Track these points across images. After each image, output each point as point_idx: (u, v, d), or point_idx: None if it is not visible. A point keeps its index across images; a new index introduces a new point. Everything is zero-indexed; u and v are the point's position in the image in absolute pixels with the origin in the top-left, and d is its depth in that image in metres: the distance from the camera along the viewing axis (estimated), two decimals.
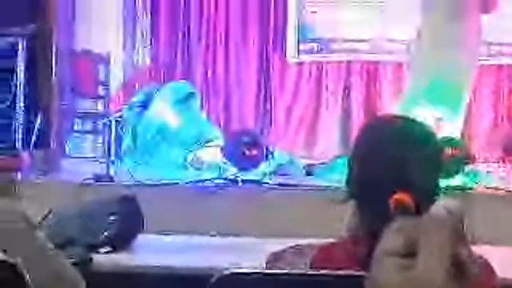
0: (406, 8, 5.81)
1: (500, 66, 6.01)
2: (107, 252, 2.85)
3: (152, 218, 3.22)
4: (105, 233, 2.90)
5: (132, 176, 4.31)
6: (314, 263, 1.44)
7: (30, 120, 4.87)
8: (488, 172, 4.84)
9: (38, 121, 4.91)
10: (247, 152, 4.57)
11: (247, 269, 1.33)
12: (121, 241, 2.98)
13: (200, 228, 3.64)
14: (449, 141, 4.24)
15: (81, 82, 5.79)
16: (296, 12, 6.10)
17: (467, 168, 4.38)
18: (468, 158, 4.42)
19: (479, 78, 5.46)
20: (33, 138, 4.83)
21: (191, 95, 5.73)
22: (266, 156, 4.63)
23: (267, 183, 4.33)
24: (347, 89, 6.11)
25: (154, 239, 3.13)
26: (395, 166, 1.38)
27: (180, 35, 6.19)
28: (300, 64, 6.17)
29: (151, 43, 6.21)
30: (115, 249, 2.89)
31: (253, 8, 6.17)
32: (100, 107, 5.79)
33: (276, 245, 1.55)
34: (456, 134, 4.66)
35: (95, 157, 5.44)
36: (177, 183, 4.24)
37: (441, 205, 0.65)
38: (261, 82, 6.16)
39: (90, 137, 5.86)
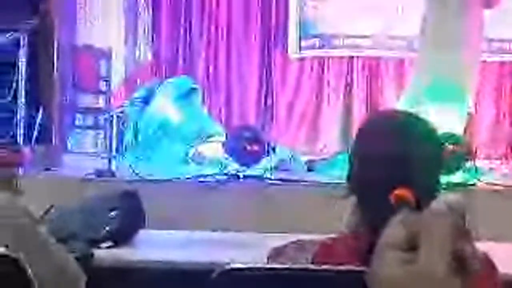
0: (408, 4, 5.81)
1: (502, 63, 6.00)
2: (108, 247, 2.85)
3: (154, 213, 3.22)
4: (107, 228, 2.91)
5: (133, 171, 4.32)
6: (316, 258, 1.45)
7: (31, 115, 4.88)
8: (490, 168, 4.84)
9: (40, 116, 4.91)
10: (249, 148, 4.57)
11: (248, 264, 1.34)
12: (123, 236, 2.99)
13: (202, 223, 3.64)
14: (451, 137, 4.24)
15: (83, 77, 5.79)
16: (297, 7, 6.09)
17: (469, 164, 4.37)
18: (470, 155, 4.42)
19: (481, 74, 5.46)
20: (35, 133, 4.84)
21: (192, 90, 5.73)
22: (268, 151, 4.63)
23: (269, 178, 4.33)
24: (348, 85, 6.10)
25: (155, 234, 3.13)
26: (396, 162, 1.38)
27: (182, 31, 6.19)
28: (302, 59, 6.17)
29: (152, 39, 6.20)
30: (116, 244, 2.89)
31: (254, 4, 6.17)
32: (101, 102, 5.79)
33: (277, 240, 1.55)
34: (458, 131, 4.66)
35: (96, 153, 5.44)
36: (179, 179, 4.24)
37: (442, 200, 0.65)
38: (262, 78, 6.16)
39: (91, 132, 5.86)
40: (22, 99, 4.76)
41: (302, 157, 5.22)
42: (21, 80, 4.78)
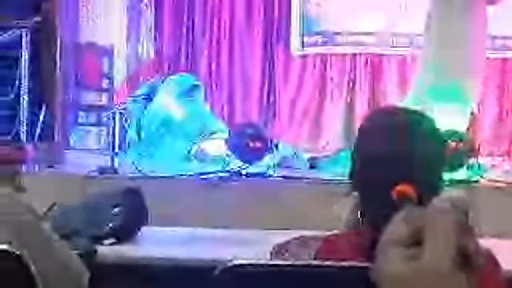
0: (411, 1, 5.80)
1: (504, 60, 5.99)
2: (111, 244, 2.85)
3: (156, 210, 3.23)
4: (110, 225, 2.91)
5: (136, 168, 4.32)
6: (318, 254, 1.45)
7: (34, 112, 4.88)
8: (493, 165, 4.83)
9: (43, 113, 4.92)
10: (251, 145, 4.57)
11: (251, 260, 1.34)
12: (126, 233, 2.99)
13: (204, 220, 3.65)
14: (453, 134, 4.24)
15: (85, 74, 5.79)
16: (300, 4, 6.09)
17: (471, 161, 4.37)
18: (472, 152, 4.41)
19: (484, 72, 5.45)
20: (38, 130, 4.84)
21: (195, 87, 5.73)
22: (270, 148, 4.63)
23: (271, 175, 4.33)
24: (351, 82, 6.09)
25: (158, 231, 3.14)
26: (398, 159, 1.38)
27: (184, 28, 6.18)
28: (305, 56, 6.16)
29: (155, 36, 6.20)
30: (119, 241, 2.90)
31: (257, 0, 6.16)
32: (104, 99, 5.79)
33: (280, 237, 1.55)
34: (461, 128, 4.66)
35: (99, 150, 5.45)
36: (181, 176, 4.25)
37: (445, 196, 0.65)
38: (265, 75, 6.16)
39: (94, 129, 5.86)
40: (25, 97, 4.77)
41: (304, 154, 5.22)
42: (24, 77, 4.78)
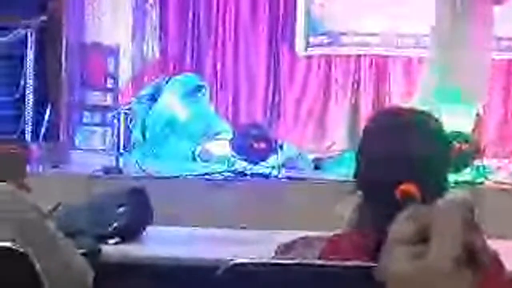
0: (417, 1, 5.79)
1: (510, 61, 5.98)
2: (116, 243, 2.86)
3: (161, 210, 3.23)
4: (114, 225, 2.91)
5: (141, 168, 4.33)
6: (323, 254, 1.45)
7: (39, 112, 4.89)
8: (498, 167, 4.82)
9: (48, 113, 4.93)
10: (256, 145, 4.58)
11: (255, 260, 1.34)
12: (130, 232, 2.99)
13: (209, 220, 3.65)
14: (459, 136, 4.23)
15: (91, 74, 5.80)
16: (305, 5, 6.09)
17: (476, 163, 4.36)
18: (478, 153, 4.41)
19: (490, 73, 5.44)
20: (43, 130, 4.85)
21: (199, 87, 5.74)
22: (275, 149, 4.63)
23: (276, 176, 4.33)
24: (356, 83, 6.09)
25: (163, 231, 3.14)
26: (402, 159, 1.38)
27: (190, 28, 6.19)
28: (309, 57, 6.16)
29: (160, 36, 6.21)
30: (124, 240, 2.90)
31: (262, 1, 6.16)
32: (109, 99, 5.80)
33: (284, 238, 1.55)
34: (467, 129, 4.65)
35: (104, 150, 5.46)
36: (186, 176, 4.25)
37: (451, 195, 0.65)
38: (270, 75, 6.16)
39: (99, 129, 5.88)
40: (30, 96, 4.78)
41: (309, 155, 5.22)
42: (29, 77, 4.79)
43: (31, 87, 4.78)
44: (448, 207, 0.61)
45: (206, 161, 5.08)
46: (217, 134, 5.42)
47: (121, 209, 2.97)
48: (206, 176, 4.29)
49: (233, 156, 4.71)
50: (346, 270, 1.27)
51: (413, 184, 0.79)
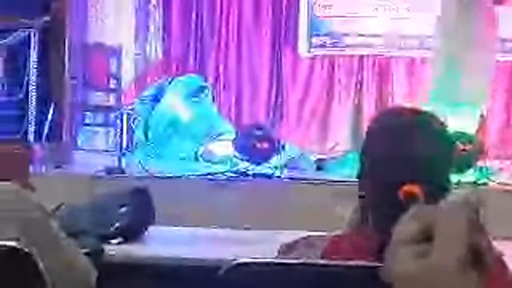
0: (420, 3, 5.79)
1: None
2: (118, 243, 2.86)
3: (163, 210, 3.24)
4: (117, 224, 2.92)
5: (143, 168, 4.33)
6: (325, 255, 1.45)
7: (42, 112, 4.90)
8: (500, 169, 4.82)
9: (51, 113, 4.93)
10: (258, 146, 4.58)
11: (257, 259, 1.34)
12: (133, 232, 3.00)
13: (211, 220, 3.65)
14: (462, 136, 4.23)
15: (93, 75, 5.81)
16: (308, 6, 6.09)
17: (479, 163, 4.36)
18: (481, 154, 4.41)
19: (493, 74, 5.43)
20: (45, 130, 4.86)
21: (202, 88, 5.74)
22: (277, 149, 4.63)
23: (278, 176, 4.34)
24: (359, 83, 6.09)
25: (165, 231, 3.14)
26: (406, 159, 1.38)
27: (192, 29, 6.19)
28: (312, 58, 6.16)
29: (163, 37, 6.21)
30: (126, 240, 2.91)
31: (265, 2, 6.17)
32: (112, 100, 5.81)
33: (286, 237, 1.55)
34: (471, 130, 4.65)
35: (106, 150, 5.46)
36: (189, 176, 4.25)
37: (458, 194, 0.65)
38: (273, 76, 6.16)
39: (102, 129, 5.88)
40: (33, 97, 4.78)
41: (311, 155, 5.22)
42: (32, 77, 4.80)
43: (34, 87, 4.79)
44: (452, 207, 0.61)
45: (208, 161, 5.09)
46: (220, 134, 5.43)
47: (124, 209, 2.98)
48: (209, 176, 4.29)
49: (235, 156, 4.72)
50: (349, 270, 1.27)
51: (416, 184, 0.79)
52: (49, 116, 4.92)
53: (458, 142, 3.99)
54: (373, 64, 6.09)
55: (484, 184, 4.17)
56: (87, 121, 5.91)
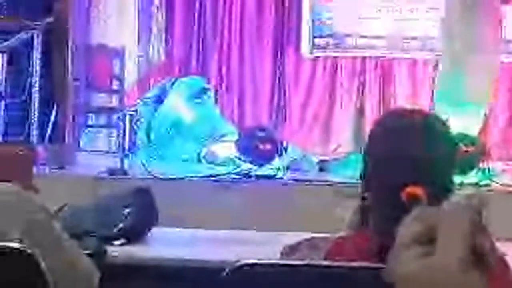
0: (422, 4, 5.79)
1: None
2: (121, 245, 2.87)
3: (166, 212, 3.24)
4: (120, 226, 2.92)
5: (146, 170, 4.33)
6: (328, 256, 1.45)
7: (45, 114, 4.90)
8: (503, 170, 4.81)
9: (53, 115, 4.94)
10: (261, 147, 4.59)
11: (261, 260, 1.34)
12: (136, 233, 3.00)
13: (214, 221, 3.65)
14: (464, 138, 4.23)
15: (96, 76, 5.81)
16: (311, 6, 6.09)
17: (482, 165, 4.35)
18: (483, 155, 4.40)
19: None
20: (48, 132, 4.86)
21: (205, 90, 5.75)
22: (280, 151, 4.64)
23: (281, 178, 4.34)
24: (361, 85, 6.09)
25: (168, 232, 3.15)
26: (409, 161, 1.38)
27: (195, 31, 6.20)
28: (315, 59, 6.16)
29: (166, 38, 6.22)
30: (129, 241, 2.91)
31: (267, 3, 6.17)
32: (114, 101, 5.81)
33: (289, 239, 1.56)
34: (475, 130, 4.64)
35: (109, 151, 5.47)
36: (191, 177, 4.26)
37: (461, 196, 0.65)
38: (275, 77, 6.16)
39: (104, 131, 5.89)
40: (36, 98, 4.79)
41: (314, 157, 5.22)
42: (35, 79, 4.80)
43: (37, 89, 4.80)
44: (454, 208, 0.61)
45: (211, 162, 5.09)
46: (222, 136, 5.43)
47: (127, 211, 2.98)
48: (212, 178, 4.29)
49: (238, 158, 4.72)
50: (352, 272, 1.27)
51: (419, 186, 0.79)
52: (52, 118, 4.93)
53: (461, 144, 3.99)
54: (376, 65, 6.09)
55: (487, 185, 4.16)
56: (89, 122, 5.92)
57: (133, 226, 2.97)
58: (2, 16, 5.00)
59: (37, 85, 4.79)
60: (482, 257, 0.58)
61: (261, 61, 6.16)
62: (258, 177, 4.35)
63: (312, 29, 6.09)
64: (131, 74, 5.99)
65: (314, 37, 6.10)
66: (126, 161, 4.56)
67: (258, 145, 4.60)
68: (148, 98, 5.70)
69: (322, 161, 5.11)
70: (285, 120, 6.07)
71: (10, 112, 4.97)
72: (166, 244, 3.00)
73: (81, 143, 5.67)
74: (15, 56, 4.94)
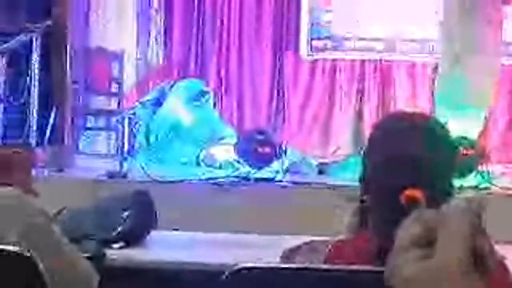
0: (421, 7, 5.79)
1: None
2: (120, 248, 2.86)
3: (165, 215, 3.23)
4: (119, 229, 2.92)
5: (145, 173, 4.33)
6: (328, 260, 1.45)
7: (44, 116, 4.90)
8: (502, 173, 4.81)
9: (52, 117, 4.94)
10: (260, 150, 4.58)
11: (260, 264, 1.34)
12: (135, 236, 3.00)
13: (213, 224, 3.65)
14: (464, 141, 4.23)
15: (95, 79, 5.82)
16: (309, 9, 6.09)
17: (481, 168, 4.35)
18: (482, 158, 4.40)
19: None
20: (47, 134, 4.86)
21: (204, 93, 5.75)
22: (279, 154, 4.64)
23: (280, 180, 4.34)
24: (360, 87, 6.09)
25: (167, 235, 3.14)
26: (407, 164, 1.38)
27: (194, 34, 6.20)
28: (314, 62, 6.16)
29: (165, 41, 6.22)
30: (128, 244, 2.91)
31: (266, 6, 6.17)
32: (113, 104, 5.81)
33: (289, 242, 1.56)
34: (475, 133, 4.64)
35: (108, 154, 5.47)
36: (190, 180, 4.26)
37: (460, 199, 0.65)
38: (274, 80, 6.16)
39: (103, 134, 5.89)
40: (35, 101, 4.79)
41: (313, 159, 5.22)
42: (34, 81, 4.80)
43: (36, 91, 4.80)
44: (454, 211, 0.61)
45: (210, 165, 5.09)
46: (221, 139, 5.43)
47: (126, 213, 2.98)
48: (210, 181, 4.29)
49: (237, 161, 4.72)
50: (352, 275, 1.27)
51: (418, 189, 0.79)
52: (51, 120, 4.92)
53: (460, 147, 3.99)
54: (375, 68, 6.09)
55: (486, 188, 4.16)
56: (88, 125, 5.92)
57: (132, 229, 2.97)
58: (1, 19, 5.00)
59: (36, 87, 4.79)
60: (481, 259, 0.58)
61: (260, 64, 6.17)
62: (257, 180, 4.35)
63: (311, 31, 6.10)
64: (130, 77, 5.99)
65: (313, 40, 6.11)
66: (125, 164, 4.56)
67: (257, 148, 4.60)
68: (147, 101, 5.70)
69: (321, 163, 5.11)
70: (284, 122, 6.07)
71: (9, 115, 4.97)
72: (165, 247, 2.99)
73: (80, 146, 5.67)
74: (14, 59, 4.94)
